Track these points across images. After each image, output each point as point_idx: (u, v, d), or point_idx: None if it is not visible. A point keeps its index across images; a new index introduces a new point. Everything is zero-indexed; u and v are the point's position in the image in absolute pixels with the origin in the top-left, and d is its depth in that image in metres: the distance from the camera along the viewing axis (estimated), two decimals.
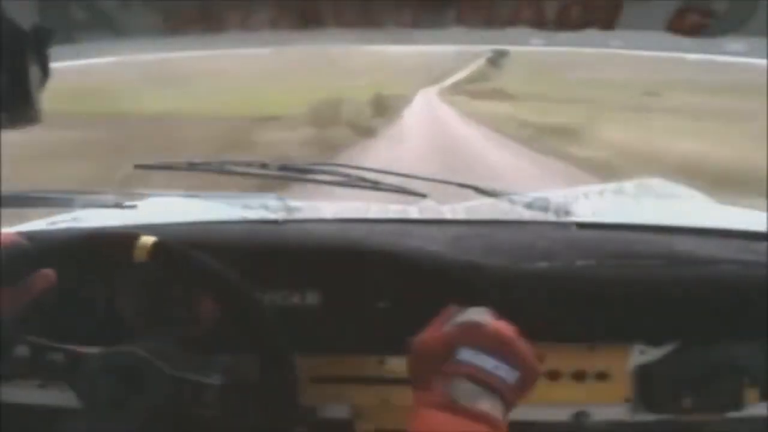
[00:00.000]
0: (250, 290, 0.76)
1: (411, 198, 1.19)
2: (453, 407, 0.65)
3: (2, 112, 0.63)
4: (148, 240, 0.74)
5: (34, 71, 0.63)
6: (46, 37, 0.64)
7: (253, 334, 0.75)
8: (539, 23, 0.72)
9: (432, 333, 0.76)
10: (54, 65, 0.70)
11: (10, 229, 1.08)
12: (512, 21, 0.73)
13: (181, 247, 0.76)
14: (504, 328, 0.72)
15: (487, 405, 0.66)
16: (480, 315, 0.75)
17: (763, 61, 0.81)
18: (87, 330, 0.95)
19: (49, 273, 0.78)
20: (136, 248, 0.74)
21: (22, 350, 0.78)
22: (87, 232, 0.80)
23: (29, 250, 0.80)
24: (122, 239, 0.76)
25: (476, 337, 0.71)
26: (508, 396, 0.68)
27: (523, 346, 0.72)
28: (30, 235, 0.95)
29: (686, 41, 0.73)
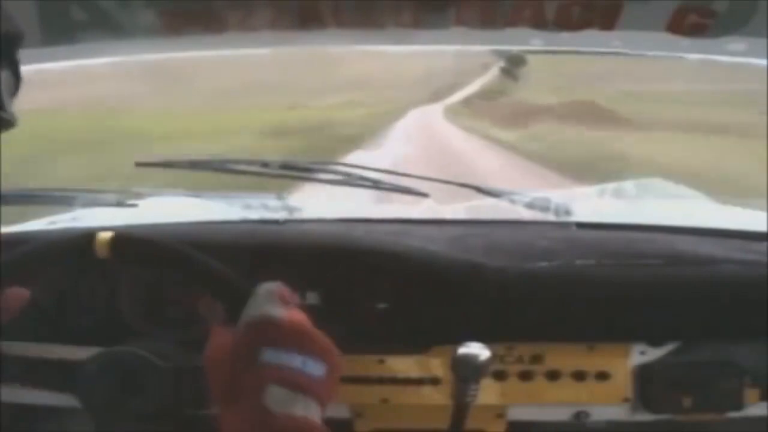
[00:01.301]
0: (223, 270, 0.74)
1: (412, 198, 1.20)
2: (270, 419, 0.59)
3: None
4: (106, 234, 0.73)
5: (4, 76, 0.63)
6: (15, 41, 0.63)
7: (218, 289, 0.74)
8: (539, 23, 0.72)
9: (220, 338, 0.68)
10: (53, 65, 0.71)
11: (7, 230, 1.08)
12: (512, 21, 0.73)
13: (141, 235, 0.75)
14: (299, 318, 0.67)
15: (304, 409, 0.61)
16: (269, 305, 0.67)
17: (763, 61, 0.81)
18: (79, 331, 0.95)
19: (19, 290, 0.75)
20: (95, 245, 0.73)
21: (13, 367, 0.78)
22: (45, 237, 0.79)
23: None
24: (79, 239, 0.75)
25: (274, 333, 0.64)
26: (321, 393, 0.63)
27: (320, 334, 0.66)
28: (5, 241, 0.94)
29: (686, 41, 0.73)
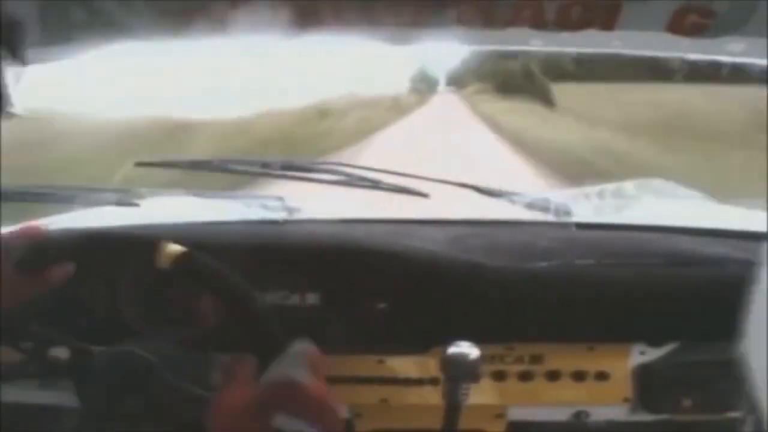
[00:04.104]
0: (263, 300, 0.76)
1: (412, 198, 1.20)
2: None
3: None
4: (173, 247, 0.75)
5: (6, 62, 0.63)
6: (18, 29, 0.64)
7: (254, 335, 0.75)
8: (539, 23, 0.72)
9: (239, 392, 0.69)
10: (53, 65, 0.71)
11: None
12: (512, 21, 0.73)
13: (205, 259, 0.76)
14: (320, 389, 0.68)
15: None
16: (297, 368, 0.68)
17: (763, 61, 0.81)
18: (97, 329, 0.95)
19: (69, 266, 0.78)
20: (162, 255, 0.74)
21: (25, 343, 0.79)
22: (111, 232, 0.81)
23: (54, 242, 0.80)
24: (147, 244, 0.76)
25: (293, 399, 0.66)
26: None
27: (333, 405, 0.68)
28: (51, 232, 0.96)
29: (686, 41, 0.73)
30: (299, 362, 0.69)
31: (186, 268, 0.75)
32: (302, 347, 0.71)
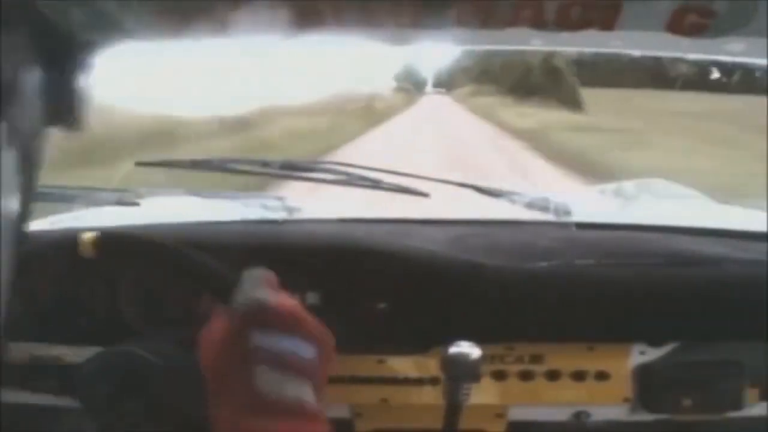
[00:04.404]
0: (207, 261, 0.75)
1: (412, 197, 1.20)
2: (262, 401, 0.60)
3: (46, 113, 0.62)
4: (90, 234, 0.74)
5: (78, 78, 0.63)
6: (94, 47, 0.64)
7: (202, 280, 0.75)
8: (539, 23, 0.72)
9: (215, 331, 0.67)
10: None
11: None
12: (512, 21, 0.73)
13: (124, 233, 0.76)
14: (288, 302, 0.67)
15: (296, 390, 0.61)
16: (258, 290, 0.67)
17: (763, 61, 0.81)
18: (79, 331, 0.95)
19: None
20: (80, 244, 0.74)
21: (13, 369, 0.79)
22: (32, 237, 0.80)
23: None
24: (63, 238, 0.76)
25: (264, 318, 0.64)
26: (313, 374, 0.63)
27: (311, 317, 0.67)
28: None
29: (686, 41, 0.73)
30: (259, 285, 0.68)
31: (110, 248, 0.75)
32: (255, 272, 0.70)
